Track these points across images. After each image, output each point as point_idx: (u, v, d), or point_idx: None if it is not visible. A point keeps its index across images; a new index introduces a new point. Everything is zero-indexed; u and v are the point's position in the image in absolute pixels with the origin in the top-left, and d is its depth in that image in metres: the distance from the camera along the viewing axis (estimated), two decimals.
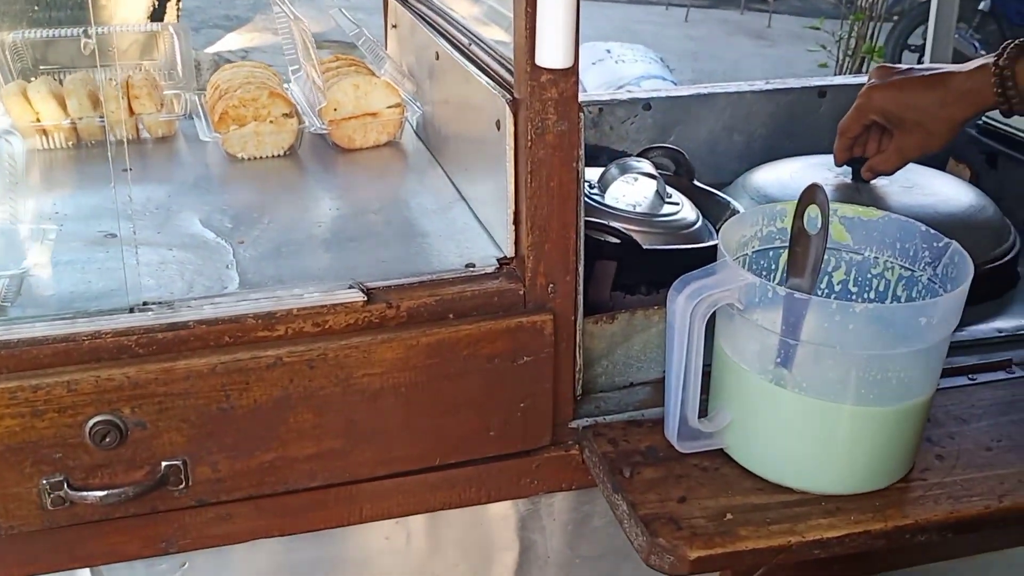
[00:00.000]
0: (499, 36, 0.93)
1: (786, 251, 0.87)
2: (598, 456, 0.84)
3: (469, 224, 0.94)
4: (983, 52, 4.98)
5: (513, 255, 0.84)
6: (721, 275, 0.76)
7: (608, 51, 4.14)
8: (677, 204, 1.02)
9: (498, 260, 0.85)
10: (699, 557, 0.74)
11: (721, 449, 0.83)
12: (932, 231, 0.84)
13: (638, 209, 0.99)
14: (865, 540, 0.76)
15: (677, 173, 1.11)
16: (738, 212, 1.06)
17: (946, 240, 0.82)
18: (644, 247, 0.93)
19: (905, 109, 1.08)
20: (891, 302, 0.86)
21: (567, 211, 0.81)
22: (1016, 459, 0.83)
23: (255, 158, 1.11)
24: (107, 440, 0.73)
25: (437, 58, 1.04)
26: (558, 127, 0.78)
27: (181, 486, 0.78)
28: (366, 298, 0.79)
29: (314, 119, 1.12)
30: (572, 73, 0.76)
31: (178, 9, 5.73)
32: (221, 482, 0.78)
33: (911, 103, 1.07)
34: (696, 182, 1.11)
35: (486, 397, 0.82)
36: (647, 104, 1.37)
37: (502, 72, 0.87)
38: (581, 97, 1.38)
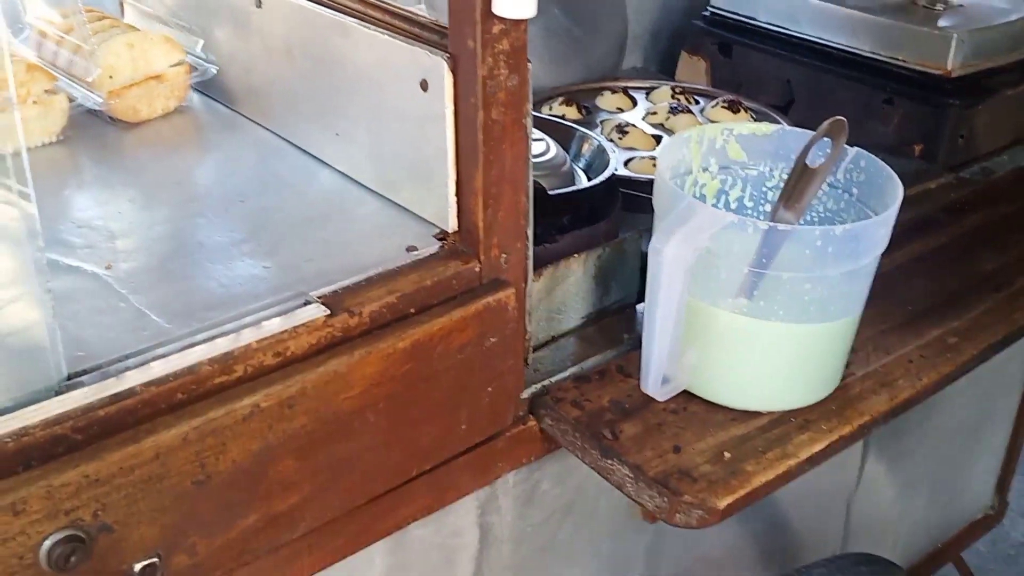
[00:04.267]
0: None
1: (690, 177, 0.87)
2: (569, 424, 0.80)
3: (352, 193, 0.83)
4: None
5: (455, 228, 0.75)
6: (700, 218, 0.73)
7: None
8: (541, 140, 0.97)
9: (436, 237, 0.76)
10: (728, 504, 0.73)
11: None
12: (827, 138, 0.87)
13: None
14: (842, 445, 0.80)
15: None
16: (588, 136, 1.03)
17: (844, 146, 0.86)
18: (549, 192, 0.88)
19: None
20: None
21: (519, 173, 0.73)
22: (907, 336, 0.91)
23: None
24: (72, 560, 0.56)
25: (259, 6, 0.87)
26: (510, 83, 0.70)
27: None
28: (328, 311, 0.67)
29: (88, 92, 0.91)
30: (525, 20, 0.68)
31: None
32: (199, 567, 0.64)
33: None
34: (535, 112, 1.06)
35: (459, 390, 0.74)
36: None
37: (393, 21, 0.76)
38: None
